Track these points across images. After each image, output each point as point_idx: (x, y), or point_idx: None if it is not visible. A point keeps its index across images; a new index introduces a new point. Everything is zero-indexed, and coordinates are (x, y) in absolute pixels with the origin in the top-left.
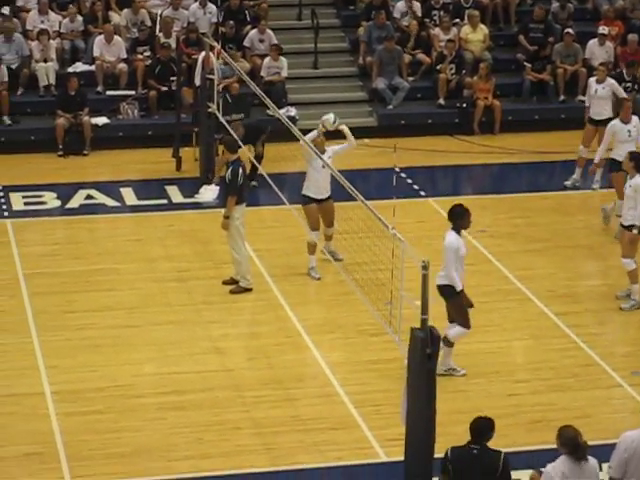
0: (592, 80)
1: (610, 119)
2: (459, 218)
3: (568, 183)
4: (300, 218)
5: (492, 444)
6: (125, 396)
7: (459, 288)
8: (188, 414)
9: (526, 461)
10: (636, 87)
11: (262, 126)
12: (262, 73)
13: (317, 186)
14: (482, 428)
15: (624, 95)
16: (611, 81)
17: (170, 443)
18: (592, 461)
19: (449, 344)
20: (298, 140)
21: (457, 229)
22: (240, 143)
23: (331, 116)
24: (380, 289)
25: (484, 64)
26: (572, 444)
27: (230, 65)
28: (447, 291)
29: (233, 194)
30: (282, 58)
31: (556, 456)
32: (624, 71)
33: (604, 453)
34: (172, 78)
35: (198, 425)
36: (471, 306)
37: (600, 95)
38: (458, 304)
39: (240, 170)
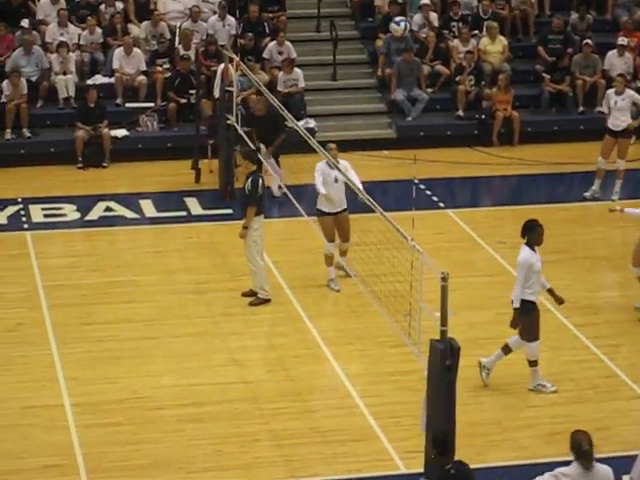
0: (611, 92)
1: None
2: (531, 232)
3: (587, 194)
4: (318, 230)
5: (512, 456)
6: (144, 408)
7: (515, 305)
8: (207, 426)
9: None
10: None
11: (283, 122)
12: (279, 87)
13: (331, 200)
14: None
15: None
16: (631, 92)
17: (189, 455)
18: (605, 469)
19: (533, 364)
20: (316, 152)
21: (530, 244)
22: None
23: (402, 25)
24: (399, 301)
25: (503, 75)
26: (577, 448)
27: (248, 77)
28: (524, 307)
29: (253, 204)
30: (297, 69)
31: None
32: None
33: (624, 465)
34: (191, 90)
35: (217, 437)
36: (561, 302)
37: (619, 107)
38: (529, 320)
39: (260, 181)
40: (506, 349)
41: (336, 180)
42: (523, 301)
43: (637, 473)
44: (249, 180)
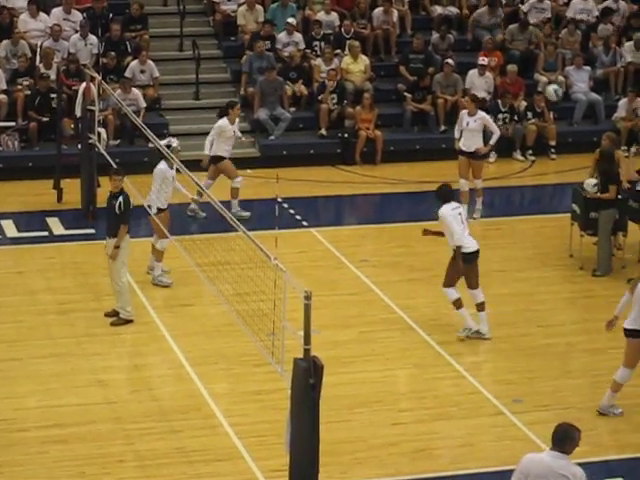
0: (464, 112)
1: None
2: None
3: None
4: (181, 249)
5: (377, 473)
6: (7, 430)
7: None
8: (71, 447)
9: None
10: (515, 118)
11: None
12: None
13: (167, 198)
14: None
15: (496, 130)
16: (482, 114)
17: (53, 477)
18: None
19: None
20: (179, 171)
21: None
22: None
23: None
24: (263, 320)
25: (368, 94)
26: None
27: (112, 96)
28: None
29: (125, 223)
30: (134, 90)
31: None
32: (499, 102)
33: None
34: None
35: (81, 458)
36: None
37: (471, 128)
38: None
39: (130, 200)
40: None
41: (173, 179)
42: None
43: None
44: (119, 199)
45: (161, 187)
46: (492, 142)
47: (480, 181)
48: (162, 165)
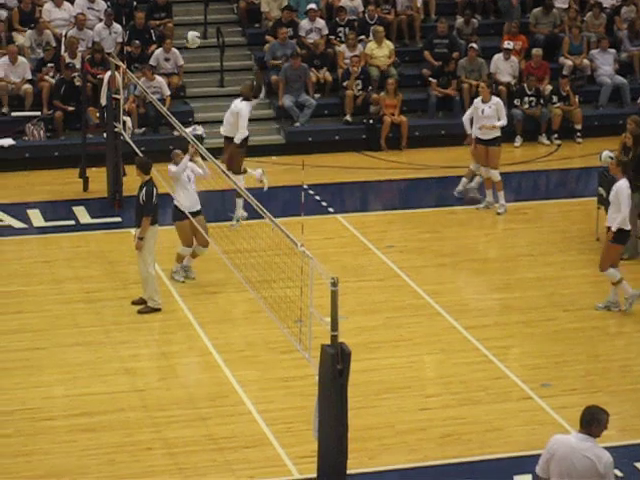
0: (478, 100)
1: (498, 138)
2: None
3: (481, 206)
4: (207, 236)
5: (405, 459)
6: (35, 419)
7: None
8: (99, 435)
9: (439, 476)
10: (541, 101)
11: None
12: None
13: (189, 199)
14: None
15: (504, 118)
16: (496, 99)
17: (82, 465)
18: None
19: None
20: (205, 159)
21: None
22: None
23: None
24: (290, 307)
25: (392, 79)
26: None
27: (136, 84)
28: None
29: (148, 215)
30: (158, 77)
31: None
32: (525, 85)
33: (515, 465)
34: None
35: (109, 446)
36: None
37: (487, 114)
38: None
39: (154, 191)
40: None
41: (189, 180)
42: None
43: (541, 460)
44: (143, 190)
45: (180, 188)
46: (497, 124)
47: (497, 172)
48: (170, 167)
